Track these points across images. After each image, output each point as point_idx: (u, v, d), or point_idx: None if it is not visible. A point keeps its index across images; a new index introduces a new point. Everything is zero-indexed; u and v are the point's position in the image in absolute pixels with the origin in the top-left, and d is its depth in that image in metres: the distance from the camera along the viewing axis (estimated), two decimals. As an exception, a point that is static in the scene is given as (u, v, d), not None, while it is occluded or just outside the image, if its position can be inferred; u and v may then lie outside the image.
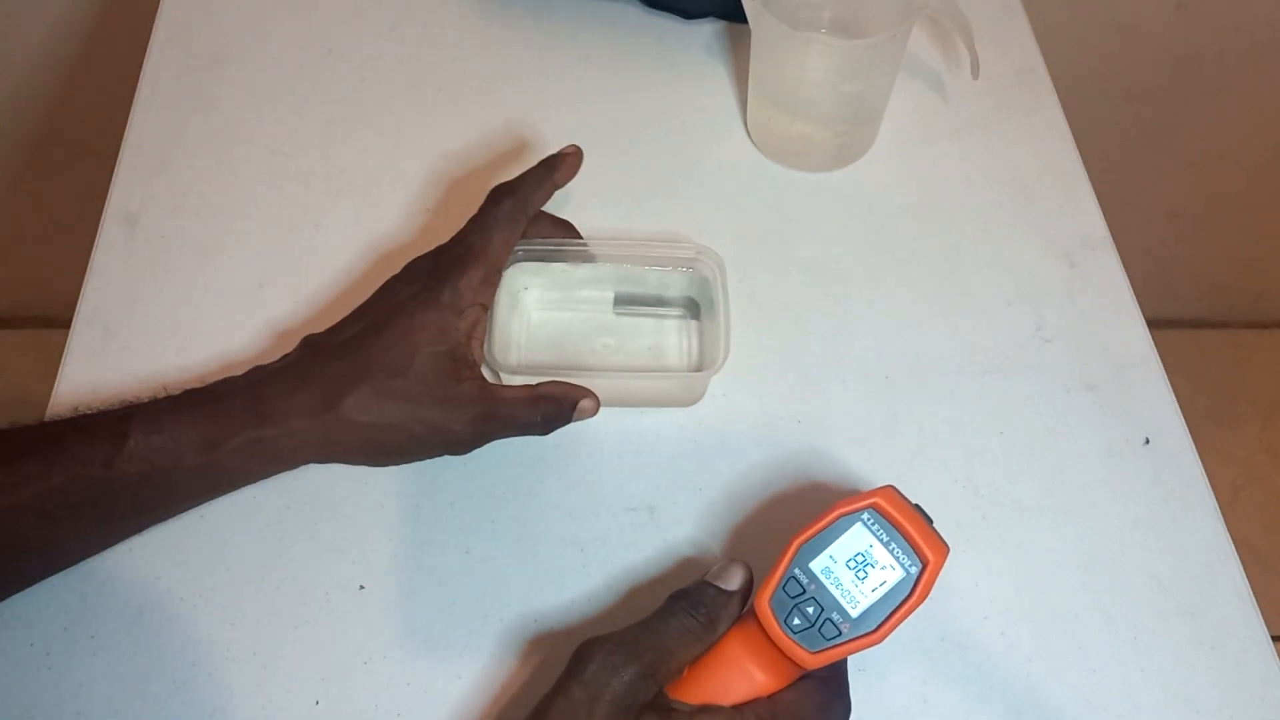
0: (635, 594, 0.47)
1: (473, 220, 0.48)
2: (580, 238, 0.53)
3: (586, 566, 0.48)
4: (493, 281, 0.47)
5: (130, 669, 0.44)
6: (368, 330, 0.45)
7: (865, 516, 0.37)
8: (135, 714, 0.43)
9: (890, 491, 0.38)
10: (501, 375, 0.50)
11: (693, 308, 0.55)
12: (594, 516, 0.49)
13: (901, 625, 0.43)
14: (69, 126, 1.10)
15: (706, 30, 0.69)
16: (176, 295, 0.56)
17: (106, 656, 0.45)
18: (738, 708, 0.37)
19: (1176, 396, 0.54)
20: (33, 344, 1.39)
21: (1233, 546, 0.50)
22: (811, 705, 0.38)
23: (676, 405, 0.53)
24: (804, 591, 0.37)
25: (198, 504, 0.47)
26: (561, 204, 0.60)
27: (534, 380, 0.47)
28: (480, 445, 0.46)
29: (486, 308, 0.46)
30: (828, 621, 0.37)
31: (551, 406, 0.46)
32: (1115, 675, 0.46)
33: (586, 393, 0.47)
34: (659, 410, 0.53)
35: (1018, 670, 0.46)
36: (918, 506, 0.38)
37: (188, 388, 0.45)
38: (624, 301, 0.55)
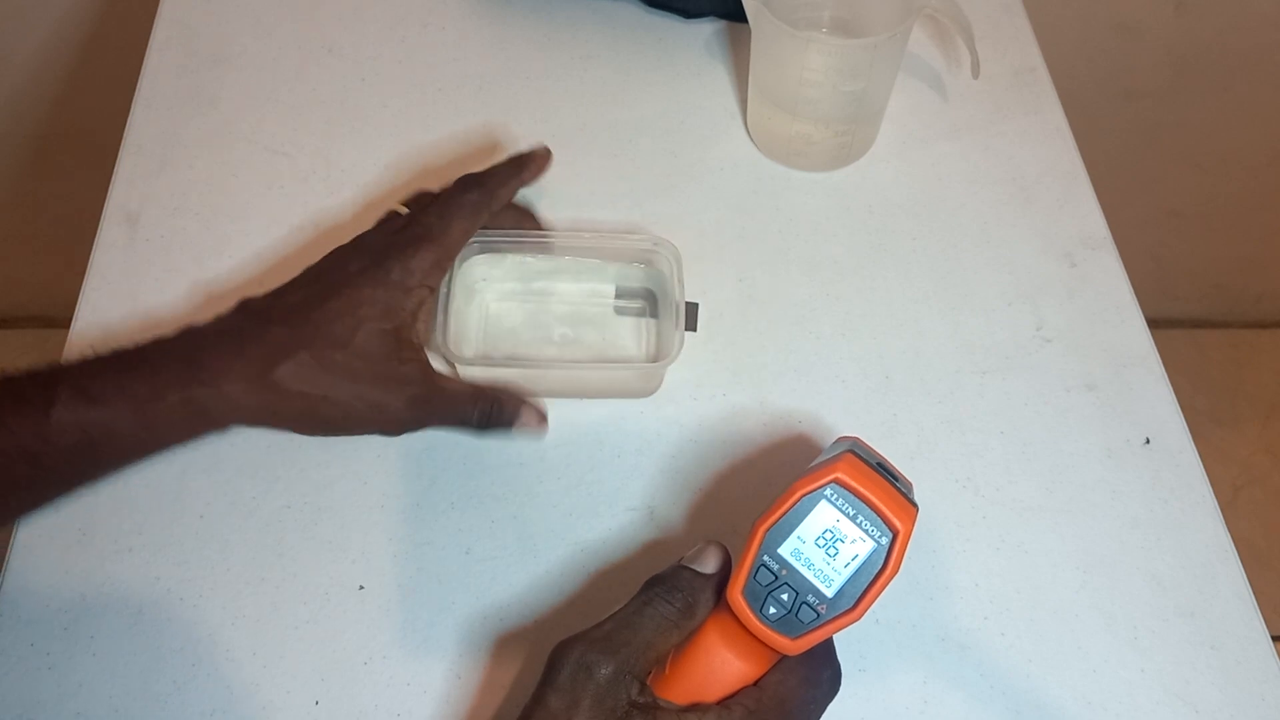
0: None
1: (435, 204, 0.47)
2: (540, 226, 0.53)
3: (586, 566, 0.48)
4: (444, 267, 0.46)
5: (130, 669, 0.44)
6: (312, 299, 0.44)
7: (828, 492, 0.36)
8: (135, 714, 0.43)
9: (850, 458, 0.36)
10: (457, 367, 0.50)
11: (653, 299, 0.55)
12: (594, 516, 0.49)
13: (901, 623, 0.42)
14: (69, 126, 1.10)
15: (706, 30, 0.69)
16: (176, 295, 0.56)
17: (106, 656, 0.45)
18: (725, 704, 0.37)
19: (1176, 396, 0.54)
20: (33, 344, 1.39)
21: (1233, 546, 0.50)
22: (796, 681, 0.37)
23: (633, 397, 0.53)
24: (776, 578, 0.36)
25: (130, 467, 0.44)
26: (561, 203, 0.60)
27: (489, 374, 0.46)
28: (414, 429, 0.46)
29: (434, 291, 0.46)
30: (804, 605, 0.36)
31: (491, 406, 0.45)
32: (1115, 675, 0.46)
33: (533, 407, 0.46)
34: (659, 410, 0.52)
35: (1018, 670, 0.46)
36: (879, 466, 0.37)
37: (116, 348, 0.43)
38: (622, 296, 0.55)
